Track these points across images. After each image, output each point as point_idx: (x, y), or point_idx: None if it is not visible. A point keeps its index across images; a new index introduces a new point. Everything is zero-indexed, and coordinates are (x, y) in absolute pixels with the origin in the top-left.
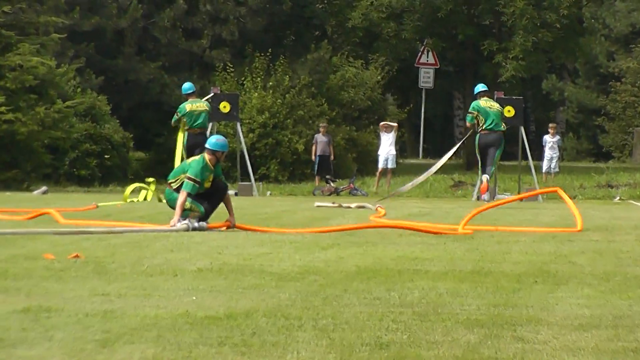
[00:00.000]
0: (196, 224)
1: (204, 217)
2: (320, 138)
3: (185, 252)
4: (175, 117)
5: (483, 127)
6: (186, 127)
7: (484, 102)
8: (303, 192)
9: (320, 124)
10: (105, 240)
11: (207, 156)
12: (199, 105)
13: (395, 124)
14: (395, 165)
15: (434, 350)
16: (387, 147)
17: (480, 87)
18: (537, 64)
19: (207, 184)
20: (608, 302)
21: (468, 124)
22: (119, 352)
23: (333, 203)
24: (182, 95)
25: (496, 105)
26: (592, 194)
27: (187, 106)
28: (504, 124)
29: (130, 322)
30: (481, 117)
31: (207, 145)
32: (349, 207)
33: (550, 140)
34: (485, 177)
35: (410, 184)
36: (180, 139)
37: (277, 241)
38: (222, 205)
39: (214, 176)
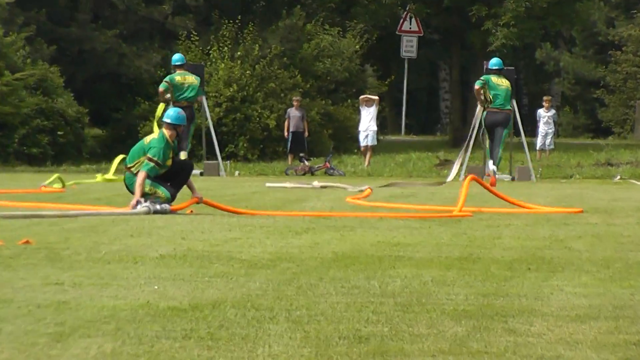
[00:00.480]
0: (158, 207)
1: (169, 202)
2: (293, 113)
3: (146, 238)
4: (165, 85)
5: (491, 105)
6: (172, 99)
7: (495, 79)
8: (275, 171)
9: (294, 98)
10: (58, 224)
11: (167, 132)
12: (188, 77)
13: (376, 98)
14: (375, 143)
15: (418, 343)
16: (367, 123)
17: (496, 64)
18: (530, 32)
19: (168, 162)
20: (608, 291)
21: (477, 87)
22: (74, 347)
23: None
24: (170, 66)
25: (506, 83)
26: (591, 173)
27: (177, 78)
28: (511, 103)
29: (86, 313)
30: (489, 93)
31: (166, 120)
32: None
33: (544, 115)
34: (492, 168)
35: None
36: (160, 109)
37: (247, 225)
38: None
39: (174, 154)
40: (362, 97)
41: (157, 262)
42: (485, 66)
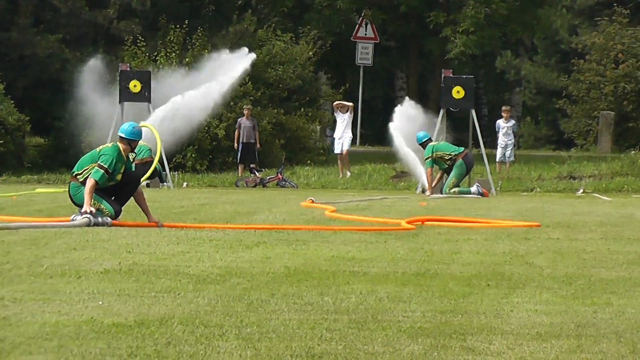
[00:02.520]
0: (99, 219)
1: (113, 217)
2: (244, 122)
3: (90, 251)
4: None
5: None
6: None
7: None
8: (224, 183)
9: (244, 107)
10: None
11: (121, 146)
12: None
13: (350, 104)
14: (349, 147)
15: None
16: (341, 130)
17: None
18: (490, 39)
19: (118, 177)
20: (570, 308)
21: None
22: None
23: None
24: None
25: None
26: (553, 187)
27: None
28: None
29: (28, 330)
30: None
31: (120, 134)
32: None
33: (504, 126)
34: (475, 189)
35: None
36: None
37: (195, 239)
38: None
39: (125, 168)
40: (335, 103)
41: (102, 276)
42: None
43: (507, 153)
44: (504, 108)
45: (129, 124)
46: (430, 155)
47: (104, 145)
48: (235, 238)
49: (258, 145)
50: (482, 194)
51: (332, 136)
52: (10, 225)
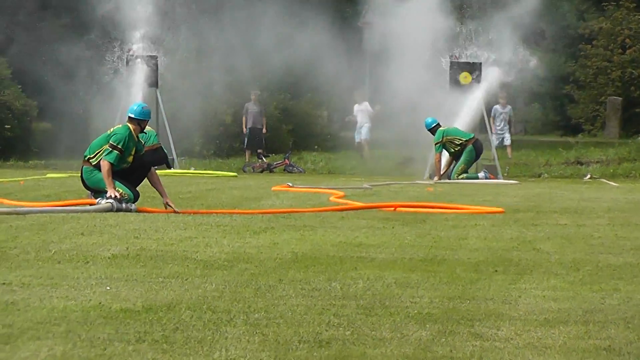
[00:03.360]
0: (123, 204)
1: (133, 202)
2: (251, 107)
3: (97, 236)
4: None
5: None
6: None
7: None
8: (231, 168)
9: (252, 91)
10: (6, 222)
11: (131, 126)
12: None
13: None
14: (368, 136)
15: (381, 348)
16: (361, 118)
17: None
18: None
19: (130, 158)
20: (577, 294)
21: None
22: (23, 349)
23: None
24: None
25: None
26: (560, 172)
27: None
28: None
29: (36, 315)
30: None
31: (130, 114)
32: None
33: (501, 112)
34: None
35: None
36: None
37: (203, 224)
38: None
39: (136, 150)
40: (357, 92)
41: (109, 262)
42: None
43: (506, 137)
44: (500, 94)
45: (137, 104)
46: (440, 140)
47: (115, 127)
48: (243, 224)
49: (265, 131)
50: (488, 179)
51: (353, 119)
52: (31, 210)
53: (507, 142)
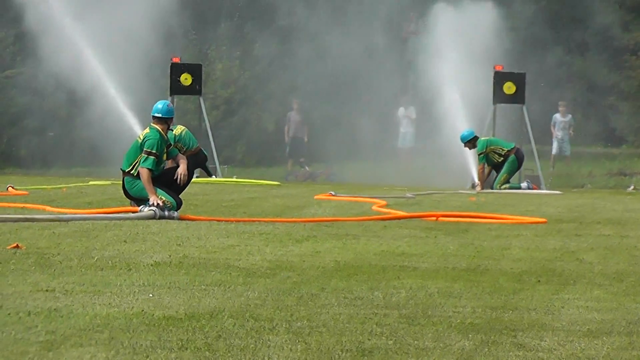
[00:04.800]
0: (166, 212)
1: (175, 209)
2: (294, 116)
3: (140, 244)
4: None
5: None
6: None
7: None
8: (273, 177)
9: (294, 100)
10: (49, 229)
11: (158, 126)
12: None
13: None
14: (413, 144)
15: (424, 357)
16: (405, 124)
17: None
18: (541, 35)
19: (164, 157)
20: (621, 305)
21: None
22: (66, 356)
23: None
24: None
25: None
26: (603, 183)
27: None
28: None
29: (79, 322)
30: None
31: (156, 114)
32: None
33: (561, 120)
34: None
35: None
36: None
37: (245, 232)
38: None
39: (167, 150)
40: (403, 97)
41: (152, 269)
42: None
43: (564, 147)
44: (560, 102)
45: (162, 102)
46: (484, 150)
47: (143, 132)
48: (285, 232)
49: (306, 139)
50: (531, 189)
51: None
52: (74, 217)
53: (567, 152)
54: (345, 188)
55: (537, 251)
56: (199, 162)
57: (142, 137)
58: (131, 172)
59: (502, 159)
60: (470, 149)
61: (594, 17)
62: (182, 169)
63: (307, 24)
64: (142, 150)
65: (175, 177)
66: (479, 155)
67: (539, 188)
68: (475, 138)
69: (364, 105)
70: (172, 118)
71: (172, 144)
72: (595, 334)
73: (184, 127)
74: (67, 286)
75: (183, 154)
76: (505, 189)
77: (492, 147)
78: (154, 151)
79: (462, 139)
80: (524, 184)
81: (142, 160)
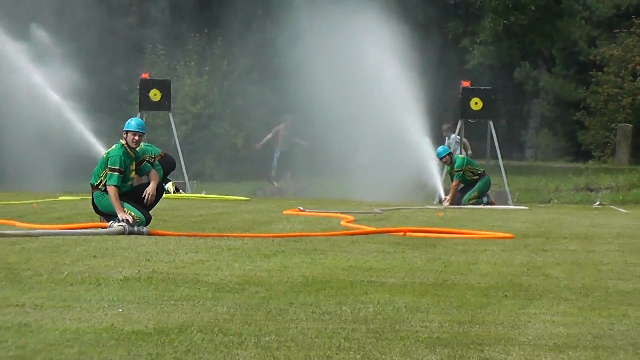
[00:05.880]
0: (135, 227)
1: (144, 224)
2: (282, 131)
3: (109, 259)
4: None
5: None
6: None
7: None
8: (242, 192)
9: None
10: (19, 244)
11: (124, 142)
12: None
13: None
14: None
15: None
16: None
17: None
18: (508, 50)
19: (132, 174)
20: (587, 319)
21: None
22: None
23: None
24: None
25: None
26: (569, 198)
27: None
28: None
29: (49, 336)
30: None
31: (127, 129)
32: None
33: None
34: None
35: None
36: None
37: (214, 247)
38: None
39: (136, 165)
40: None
41: (121, 284)
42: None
43: None
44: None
45: (134, 118)
46: (462, 167)
47: (110, 149)
48: (254, 247)
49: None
50: (491, 204)
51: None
52: (43, 232)
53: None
54: (314, 203)
55: (504, 266)
56: (168, 165)
57: (105, 155)
58: (99, 186)
59: (477, 177)
60: (446, 164)
61: (561, 33)
62: (150, 189)
63: (275, 39)
64: (106, 167)
65: (143, 196)
66: (456, 171)
67: (506, 203)
68: (450, 154)
69: (334, 123)
70: (142, 132)
71: (140, 157)
72: (561, 348)
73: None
74: (37, 301)
75: (153, 161)
76: (470, 203)
77: (469, 167)
78: (117, 167)
79: (438, 155)
80: (484, 199)
81: (108, 178)
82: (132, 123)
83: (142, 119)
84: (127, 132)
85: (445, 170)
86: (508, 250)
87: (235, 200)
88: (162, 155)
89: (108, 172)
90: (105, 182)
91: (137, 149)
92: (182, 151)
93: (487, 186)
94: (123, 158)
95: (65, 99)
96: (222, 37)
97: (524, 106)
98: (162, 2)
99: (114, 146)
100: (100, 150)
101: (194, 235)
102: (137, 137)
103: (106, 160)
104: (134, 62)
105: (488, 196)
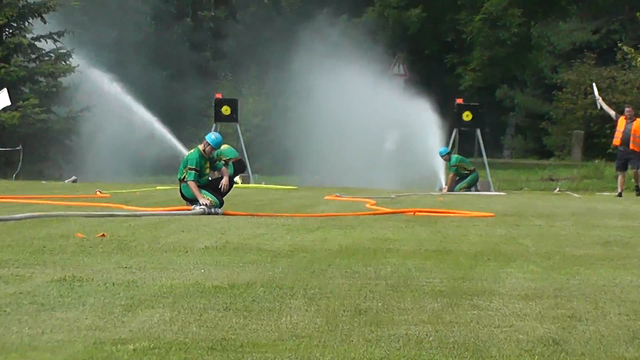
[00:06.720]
0: (212, 209)
1: (218, 206)
2: None
3: (194, 233)
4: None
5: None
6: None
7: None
8: (292, 182)
9: None
10: (127, 222)
11: (202, 147)
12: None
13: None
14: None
15: (404, 315)
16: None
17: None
18: (491, 75)
19: (207, 171)
20: (549, 276)
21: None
22: (141, 315)
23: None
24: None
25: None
26: (536, 186)
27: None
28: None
29: (150, 290)
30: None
31: (208, 140)
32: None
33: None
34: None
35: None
36: None
37: (271, 224)
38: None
39: (210, 164)
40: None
41: (203, 251)
42: (456, 103)
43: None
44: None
45: (217, 135)
46: (457, 164)
47: (189, 152)
48: (301, 224)
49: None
50: (478, 191)
51: None
52: (145, 213)
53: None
54: (348, 191)
55: (487, 237)
56: (240, 168)
57: (186, 157)
58: (183, 180)
59: (467, 172)
60: (446, 160)
61: (531, 62)
62: (225, 181)
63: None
64: (186, 167)
65: (220, 186)
66: (451, 166)
67: (489, 190)
68: (449, 153)
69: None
70: (214, 147)
71: (215, 158)
72: (530, 297)
73: (228, 145)
74: (141, 264)
75: (227, 161)
76: (462, 191)
77: (462, 164)
78: (193, 167)
79: (441, 154)
80: (472, 189)
81: (187, 175)
82: (212, 138)
83: (217, 129)
84: (207, 143)
85: (446, 165)
86: (491, 226)
87: (287, 189)
88: (238, 159)
89: (188, 170)
90: (186, 177)
91: (216, 153)
92: (246, 153)
93: (475, 180)
94: (198, 160)
95: (159, 115)
96: (276, 66)
97: (502, 118)
98: (231, 40)
99: (192, 150)
100: (184, 151)
101: (256, 215)
102: (209, 149)
103: (186, 161)
104: (211, 85)
105: (476, 187)
